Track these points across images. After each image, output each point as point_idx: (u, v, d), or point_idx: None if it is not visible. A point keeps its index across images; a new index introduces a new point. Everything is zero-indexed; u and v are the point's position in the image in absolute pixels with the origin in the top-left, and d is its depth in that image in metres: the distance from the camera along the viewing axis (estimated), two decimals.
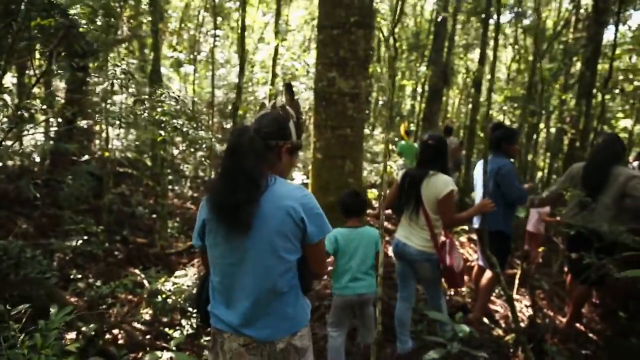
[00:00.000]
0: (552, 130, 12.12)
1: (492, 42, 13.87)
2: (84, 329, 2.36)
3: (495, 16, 12.95)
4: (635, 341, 3.75)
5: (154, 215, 5.91)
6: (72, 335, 2.46)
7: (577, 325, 3.86)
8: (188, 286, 2.97)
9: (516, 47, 13.05)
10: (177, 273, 3.19)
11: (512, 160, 3.79)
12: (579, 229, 3.26)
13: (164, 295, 2.84)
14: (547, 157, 11.62)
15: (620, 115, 14.36)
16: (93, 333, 2.30)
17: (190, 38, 12.41)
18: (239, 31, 11.64)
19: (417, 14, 16.37)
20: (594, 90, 8.61)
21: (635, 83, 12.33)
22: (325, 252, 2.79)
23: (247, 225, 1.47)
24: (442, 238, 2.98)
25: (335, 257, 2.84)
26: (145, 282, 3.28)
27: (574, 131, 9.17)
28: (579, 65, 12.28)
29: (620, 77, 12.75)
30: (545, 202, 3.90)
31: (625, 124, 13.99)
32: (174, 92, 2.66)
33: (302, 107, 1.72)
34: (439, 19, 12.20)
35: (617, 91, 10.87)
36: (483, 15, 10.83)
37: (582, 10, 13.15)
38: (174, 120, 2.57)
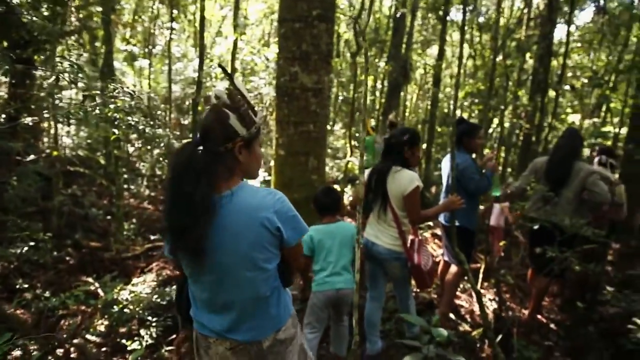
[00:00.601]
0: (506, 125, 12.46)
1: (449, 38, 14.01)
2: (30, 347, 2.17)
3: (460, 14, 13.12)
4: (593, 330, 3.87)
5: (109, 217, 5.62)
6: (17, 353, 2.25)
7: (539, 316, 3.95)
8: (147, 294, 2.80)
9: (472, 43, 13.32)
10: (134, 280, 2.99)
11: (474, 155, 3.81)
12: (542, 222, 3.31)
13: (120, 305, 2.66)
14: (502, 151, 11.94)
15: (569, 110, 15.01)
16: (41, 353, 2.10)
17: (144, 31, 11.94)
18: (198, 23, 11.33)
19: (376, 10, 16.42)
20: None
21: (583, 80, 12.87)
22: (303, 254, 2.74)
23: (198, 250, 1.40)
24: (411, 236, 2.94)
25: (312, 255, 2.77)
26: (99, 291, 3.07)
27: (528, 126, 9.46)
28: (531, 62, 12.70)
29: (569, 74, 13.30)
30: (510, 197, 3.95)
31: (573, 119, 14.59)
32: (128, 87, 2.47)
33: (244, 89, 1.55)
34: (398, 15, 12.28)
35: (567, 88, 11.29)
36: (441, 12, 11.00)
37: (534, 9, 13.61)
38: (129, 117, 2.39)
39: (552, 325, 3.89)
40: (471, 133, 3.70)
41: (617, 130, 11.48)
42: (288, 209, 1.51)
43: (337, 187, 8.28)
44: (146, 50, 10.61)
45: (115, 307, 2.67)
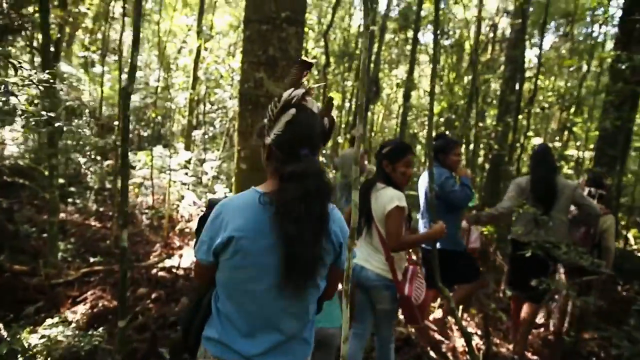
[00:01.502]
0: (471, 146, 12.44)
1: (420, 57, 13.95)
2: None
3: (426, 35, 13.11)
4: None
5: (45, 235, 4.94)
6: None
7: (527, 353, 3.59)
8: (65, 337, 2.21)
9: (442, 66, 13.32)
10: (46, 322, 2.38)
11: (452, 172, 3.51)
12: (534, 249, 2.97)
13: (25, 356, 2.06)
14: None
15: (530, 134, 15.24)
16: None
17: (104, 38, 11.25)
18: (162, 33, 10.76)
19: (345, 27, 16.33)
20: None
21: (544, 104, 13.05)
22: None
23: (308, 278, 1.33)
24: (405, 264, 2.57)
25: None
26: (4, 332, 2.44)
27: (496, 147, 9.35)
28: (494, 85, 12.81)
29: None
30: (497, 219, 3.65)
31: (535, 142, 14.80)
32: (35, 74, 1.95)
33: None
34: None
35: (537, 110, 11.37)
36: (411, 33, 10.90)
37: (499, 33, 13.82)
38: (43, 113, 1.88)
39: None
40: (446, 149, 3.49)
41: (580, 153, 11.60)
42: (347, 228, 1.44)
43: None
44: (101, 55, 9.91)
45: (20, 357, 2.08)
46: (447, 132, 9.87)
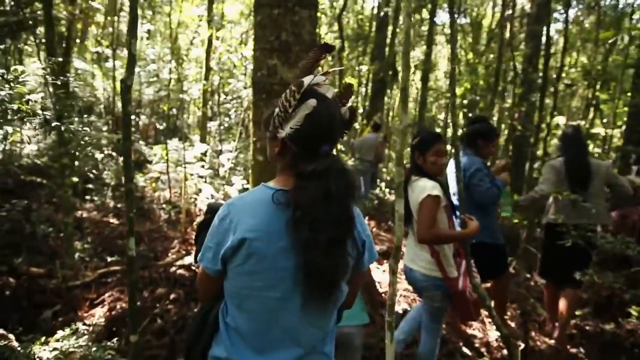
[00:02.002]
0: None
1: (435, 38, 13.56)
2: None
3: (441, 16, 12.73)
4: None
5: (62, 235, 4.88)
6: None
7: (567, 346, 3.39)
8: (79, 347, 2.09)
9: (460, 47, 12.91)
10: (58, 334, 2.25)
11: (485, 162, 3.26)
12: (574, 239, 2.77)
13: None
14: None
15: (555, 112, 14.76)
16: None
17: (115, 32, 11.19)
18: (174, 25, 10.63)
19: (358, 9, 15.96)
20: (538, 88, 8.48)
21: (566, 82, 12.56)
22: None
23: (328, 287, 1.18)
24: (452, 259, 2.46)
25: None
26: (17, 345, 2.32)
27: (520, 127, 9.01)
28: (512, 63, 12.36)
29: (554, 75, 13.01)
30: (537, 202, 3.46)
31: (558, 121, 14.35)
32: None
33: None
34: (381, 14, 11.86)
35: (561, 87, 10.91)
36: (428, 9, 10.55)
37: (518, 8, 13.30)
38: (40, 112, 1.75)
39: (581, 355, 3.32)
40: (488, 136, 3.18)
41: (609, 131, 11.15)
42: (367, 225, 1.31)
43: None
44: (112, 50, 9.83)
45: None
46: (469, 114, 9.54)
